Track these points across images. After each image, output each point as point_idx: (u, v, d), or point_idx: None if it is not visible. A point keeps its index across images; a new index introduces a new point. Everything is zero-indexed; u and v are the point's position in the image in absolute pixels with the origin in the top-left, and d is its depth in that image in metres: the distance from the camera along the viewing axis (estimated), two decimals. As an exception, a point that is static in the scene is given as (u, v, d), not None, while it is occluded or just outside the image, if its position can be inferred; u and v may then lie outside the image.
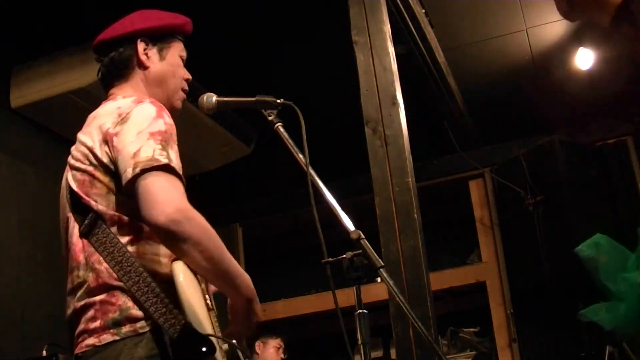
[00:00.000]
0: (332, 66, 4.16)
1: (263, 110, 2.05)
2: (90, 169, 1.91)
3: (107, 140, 1.90)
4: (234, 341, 1.95)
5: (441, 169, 5.67)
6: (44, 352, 3.55)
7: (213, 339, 1.77)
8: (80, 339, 1.85)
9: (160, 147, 1.82)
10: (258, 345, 4.89)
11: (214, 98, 2.17)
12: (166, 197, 1.77)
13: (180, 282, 1.79)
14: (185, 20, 2.24)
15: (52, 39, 3.86)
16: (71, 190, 1.94)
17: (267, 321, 5.59)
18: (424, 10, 4.06)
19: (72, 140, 2.06)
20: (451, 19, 4.31)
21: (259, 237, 6.14)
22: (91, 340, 1.82)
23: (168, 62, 2.16)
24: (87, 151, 1.93)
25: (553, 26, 4.43)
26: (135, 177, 1.78)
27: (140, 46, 2.12)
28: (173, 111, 2.17)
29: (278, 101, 2.05)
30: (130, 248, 1.85)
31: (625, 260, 3.60)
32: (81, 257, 1.89)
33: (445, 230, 5.83)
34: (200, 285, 1.89)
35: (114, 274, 1.82)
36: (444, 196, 5.75)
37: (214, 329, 1.85)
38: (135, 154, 1.80)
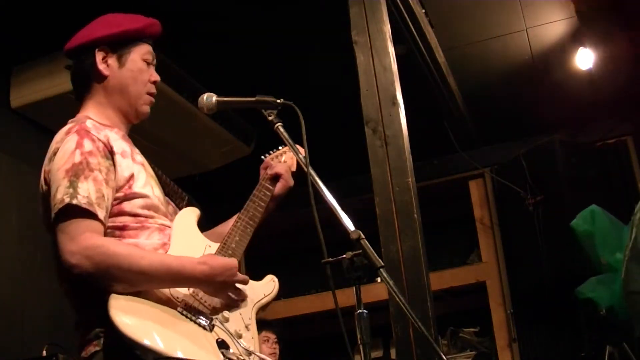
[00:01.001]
0: (332, 66, 4.16)
1: (263, 110, 2.05)
2: (43, 202, 2.04)
3: (45, 178, 2.03)
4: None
5: (441, 169, 5.67)
6: (44, 352, 3.55)
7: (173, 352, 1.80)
8: (78, 352, 1.96)
9: (68, 184, 1.91)
10: None
11: (214, 98, 2.17)
12: (63, 247, 1.87)
13: (117, 322, 1.80)
14: (147, 22, 2.24)
15: (52, 39, 3.86)
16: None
17: (270, 320, 5.58)
18: (424, 10, 4.06)
19: (44, 167, 2.09)
20: (451, 19, 4.30)
21: (258, 236, 6.12)
22: (82, 353, 1.92)
23: (128, 69, 2.17)
24: (39, 187, 2.07)
25: (553, 26, 4.43)
26: (53, 225, 1.92)
27: (99, 56, 2.15)
28: (140, 115, 2.22)
29: (278, 101, 2.05)
30: None
31: (620, 232, 3.52)
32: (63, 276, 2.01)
33: (445, 230, 5.82)
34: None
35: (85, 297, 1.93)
36: (444, 196, 5.75)
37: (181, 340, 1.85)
38: (53, 197, 1.93)
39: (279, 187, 2.40)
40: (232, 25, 4.00)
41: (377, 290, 4.36)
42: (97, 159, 1.97)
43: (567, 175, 4.77)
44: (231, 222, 2.28)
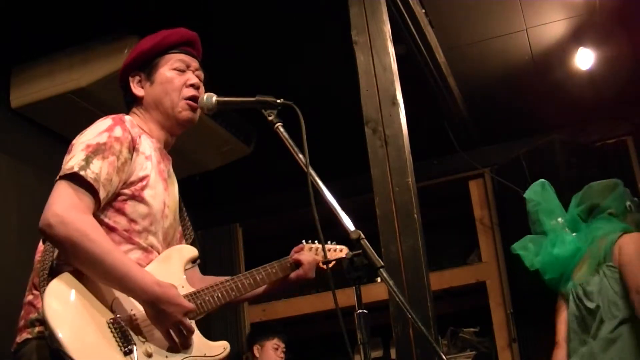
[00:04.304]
0: (332, 66, 4.16)
1: (263, 110, 2.06)
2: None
3: (69, 150, 2.08)
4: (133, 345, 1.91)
5: (441, 169, 5.67)
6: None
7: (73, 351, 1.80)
8: (15, 335, 2.02)
9: (83, 156, 1.97)
10: (257, 349, 4.80)
11: (214, 98, 2.18)
12: (51, 203, 1.92)
13: (45, 296, 1.86)
14: (163, 35, 2.30)
15: (52, 39, 3.86)
16: None
17: (266, 321, 5.59)
18: (424, 10, 4.06)
19: (72, 140, 2.11)
20: (451, 19, 4.30)
21: (259, 237, 6.14)
22: (17, 338, 2.00)
23: (157, 83, 2.26)
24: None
25: (553, 26, 4.42)
26: (55, 183, 1.97)
27: (133, 81, 2.28)
28: (183, 122, 2.27)
29: (278, 101, 2.05)
30: (61, 259, 1.97)
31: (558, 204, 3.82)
32: (35, 258, 2.06)
33: (445, 230, 5.82)
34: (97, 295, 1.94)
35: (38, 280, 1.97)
36: (444, 196, 5.75)
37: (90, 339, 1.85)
38: (65, 163, 1.98)
39: (294, 275, 2.43)
40: (232, 25, 4.01)
41: (377, 290, 4.36)
42: (120, 147, 2.04)
43: (567, 175, 4.76)
44: (223, 279, 2.26)
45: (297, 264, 2.43)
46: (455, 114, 5.05)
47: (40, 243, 2.07)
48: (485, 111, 5.19)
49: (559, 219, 3.75)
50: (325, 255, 1.80)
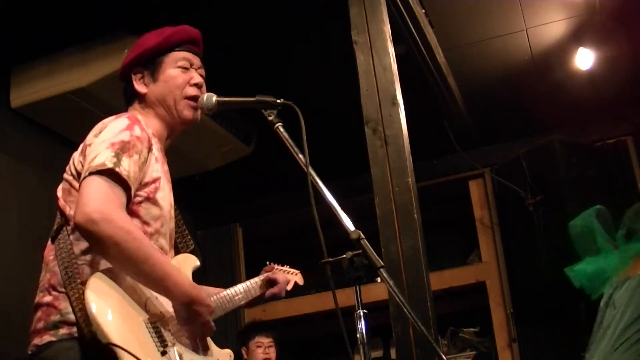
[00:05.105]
0: (332, 66, 4.16)
1: (263, 110, 2.05)
2: (69, 178, 2.05)
3: (83, 151, 2.04)
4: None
5: (441, 169, 5.68)
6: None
7: (125, 345, 1.80)
8: (30, 338, 1.97)
9: (113, 154, 1.93)
10: (244, 351, 4.78)
11: (214, 98, 2.18)
12: (90, 198, 1.86)
13: (87, 294, 1.85)
14: (168, 33, 2.29)
15: (52, 39, 3.86)
16: (57, 198, 2.08)
17: (266, 321, 5.58)
18: (424, 10, 4.06)
19: (72, 140, 2.11)
20: (451, 19, 4.30)
21: (259, 237, 6.14)
22: (36, 340, 1.94)
23: (161, 81, 2.24)
24: (71, 162, 2.08)
25: (553, 26, 4.43)
26: (82, 180, 1.91)
27: (136, 77, 2.26)
28: (185, 121, 2.26)
29: (278, 101, 2.05)
30: (85, 257, 1.95)
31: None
32: (46, 258, 2.02)
33: (445, 230, 5.83)
34: (132, 292, 1.94)
35: (61, 279, 1.93)
36: (444, 196, 5.75)
37: (135, 336, 1.86)
38: (91, 160, 1.93)
39: (270, 292, 2.54)
40: (232, 25, 4.01)
41: (377, 290, 4.36)
42: (141, 146, 2.03)
43: (567, 175, 4.77)
44: (218, 290, 2.36)
45: (272, 282, 2.54)
46: (455, 114, 5.06)
47: (49, 242, 2.04)
48: (485, 111, 5.19)
49: (613, 240, 3.91)
50: (325, 255, 1.80)
